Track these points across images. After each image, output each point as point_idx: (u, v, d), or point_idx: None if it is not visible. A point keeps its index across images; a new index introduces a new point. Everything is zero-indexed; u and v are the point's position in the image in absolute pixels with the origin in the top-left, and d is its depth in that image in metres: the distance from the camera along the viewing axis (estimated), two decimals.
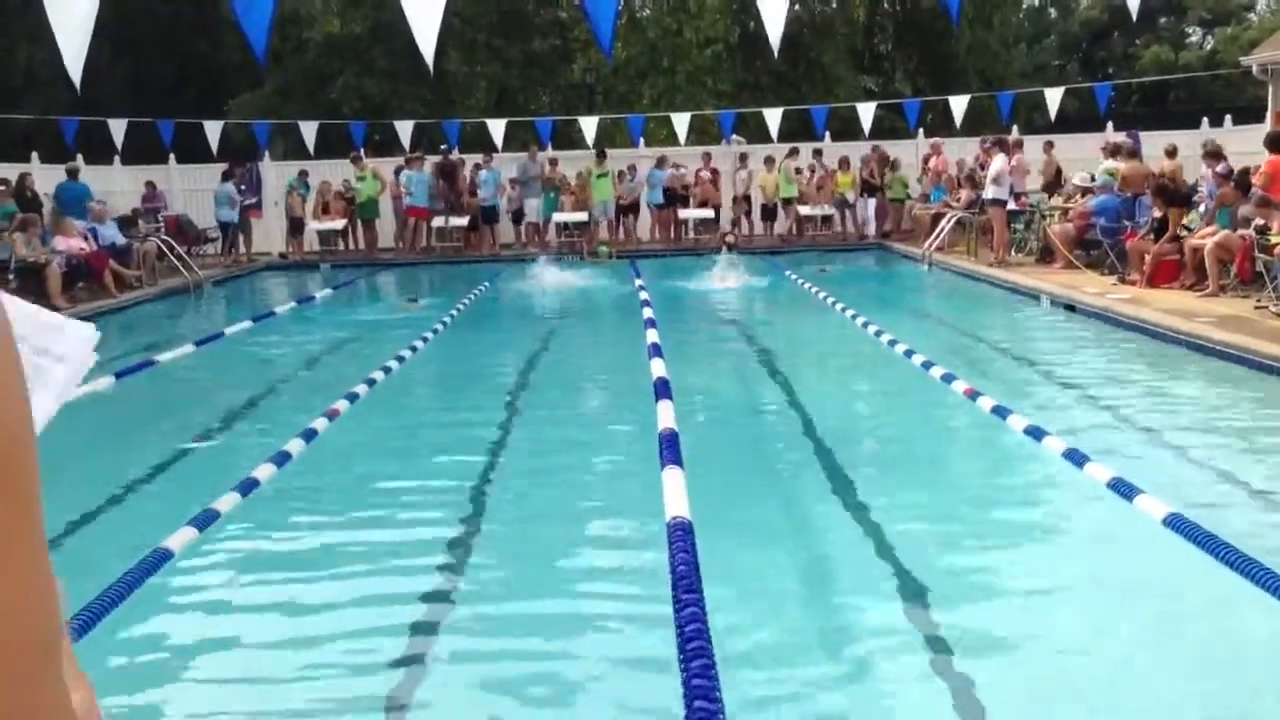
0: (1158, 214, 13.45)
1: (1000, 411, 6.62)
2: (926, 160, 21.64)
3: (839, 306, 12.32)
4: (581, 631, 4.39)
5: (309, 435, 6.74)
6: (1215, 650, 4.10)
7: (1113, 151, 17.66)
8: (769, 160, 22.18)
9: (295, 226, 21.90)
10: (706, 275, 16.80)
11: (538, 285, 16.52)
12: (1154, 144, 18.91)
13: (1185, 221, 13.11)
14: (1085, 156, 19.18)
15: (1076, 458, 5.29)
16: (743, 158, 22.40)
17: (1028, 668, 4.01)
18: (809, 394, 8.65)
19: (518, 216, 22.31)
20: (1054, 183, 18.57)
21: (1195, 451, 6.65)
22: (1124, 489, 4.65)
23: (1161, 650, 4.12)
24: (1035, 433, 6.02)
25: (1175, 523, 4.14)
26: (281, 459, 6.19)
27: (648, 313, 11.66)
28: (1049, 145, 19.62)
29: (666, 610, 3.37)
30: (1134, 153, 16.86)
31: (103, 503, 6.23)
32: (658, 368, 7.93)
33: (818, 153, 22.53)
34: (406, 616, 4.52)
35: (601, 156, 21.89)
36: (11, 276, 14.02)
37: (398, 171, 21.87)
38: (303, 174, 22.05)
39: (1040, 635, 4.27)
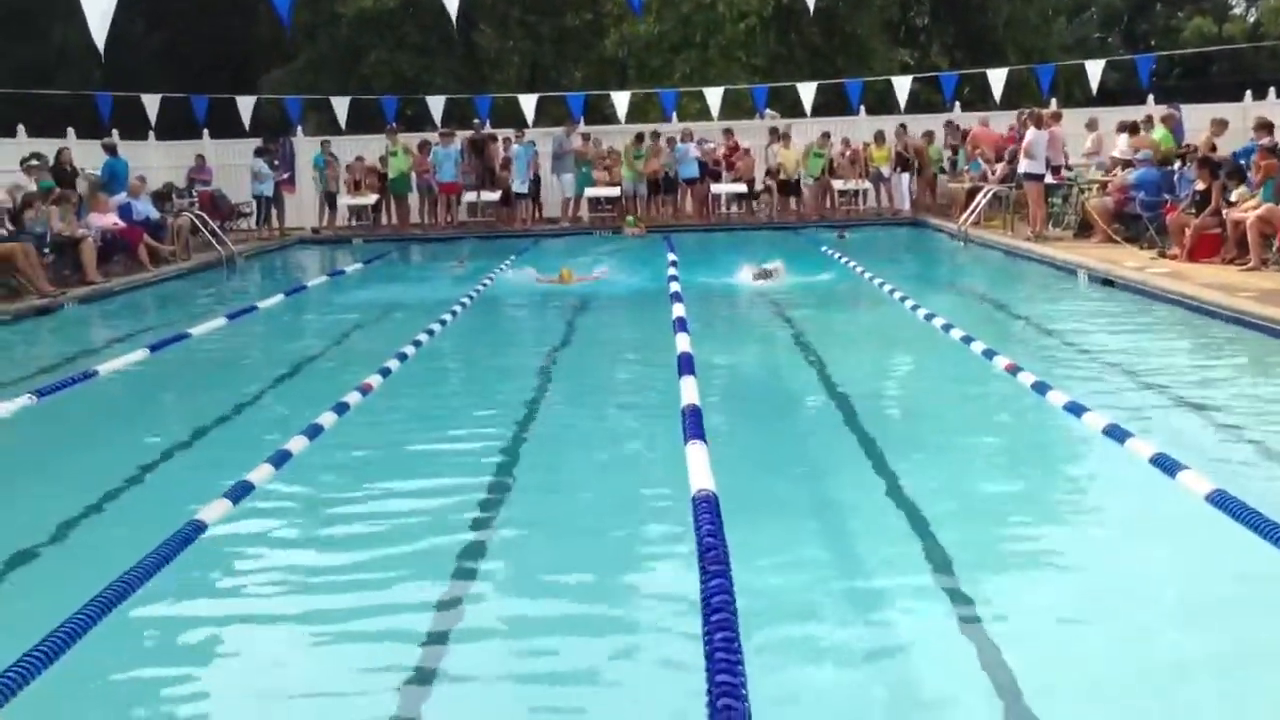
0: (1201, 186, 13.21)
1: (1040, 387, 6.51)
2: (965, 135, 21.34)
3: (875, 280, 12.22)
4: (607, 606, 4.36)
5: (341, 408, 6.74)
6: (1258, 628, 4.01)
7: (1123, 129, 17.71)
8: (785, 137, 21.99)
9: (329, 201, 21.99)
10: (737, 249, 16.72)
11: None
12: (1197, 117, 18.56)
13: (1234, 195, 12.85)
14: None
15: (1118, 434, 5.19)
16: (773, 132, 22.25)
17: (1064, 646, 3.94)
18: (842, 367, 8.57)
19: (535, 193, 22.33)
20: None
21: (1237, 428, 6.52)
22: (1166, 465, 4.55)
23: (1203, 629, 4.03)
24: (1075, 409, 5.92)
25: (1219, 500, 4.04)
26: (314, 431, 6.20)
27: (675, 288, 11.62)
28: (1093, 122, 19.23)
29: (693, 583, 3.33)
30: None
31: (136, 475, 6.26)
32: (682, 343, 7.88)
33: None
34: (436, 590, 4.51)
35: (640, 139, 21.81)
36: (47, 251, 14.12)
37: (422, 147, 21.86)
38: (325, 143, 22.10)
39: (1078, 613, 4.19)
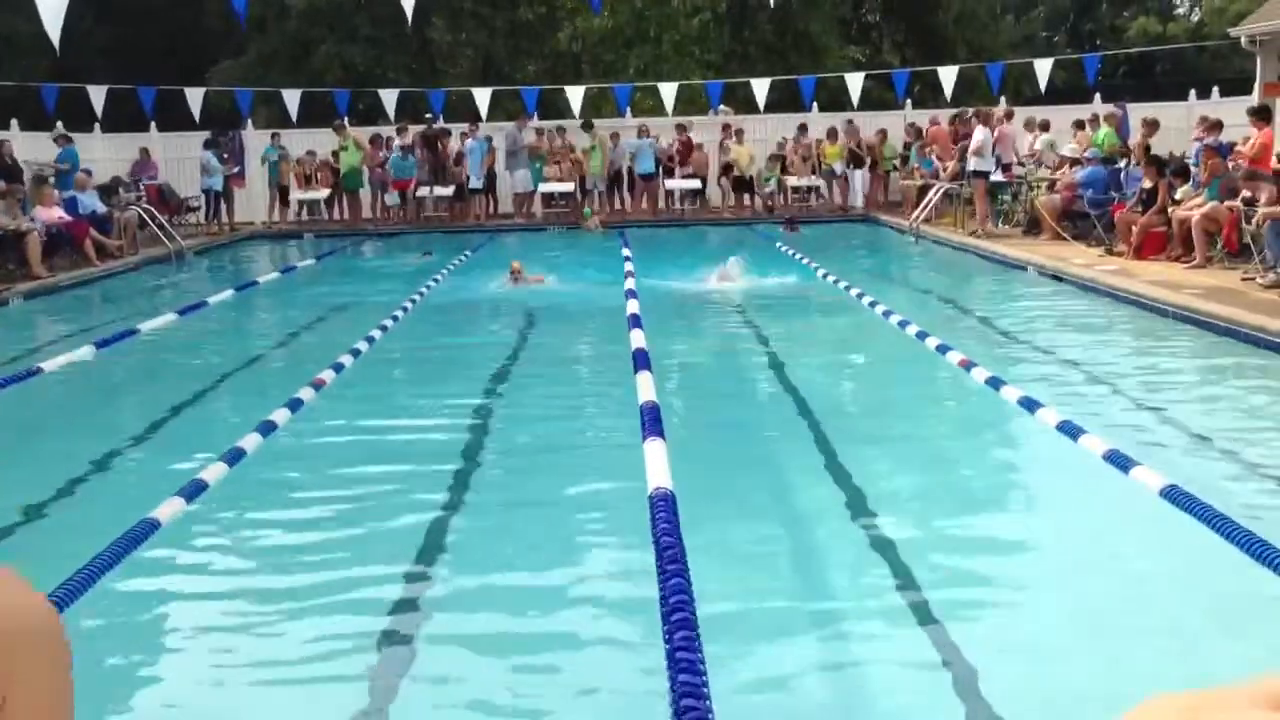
0: (1148, 184, 13.41)
1: (994, 383, 6.59)
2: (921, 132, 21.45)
3: (829, 277, 12.31)
4: (565, 602, 4.36)
5: (295, 405, 6.69)
6: (1212, 621, 4.08)
7: (1030, 127, 18.68)
8: (739, 133, 22.07)
9: (281, 196, 21.74)
10: (693, 245, 16.76)
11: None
12: (1141, 116, 18.84)
13: (1179, 194, 13.06)
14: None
15: (1071, 429, 5.27)
16: (726, 128, 22.31)
17: (1017, 642, 3.98)
18: (796, 363, 8.61)
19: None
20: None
21: (1184, 423, 6.63)
22: (1120, 461, 4.62)
23: (1158, 622, 4.10)
24: (1029, 404, 5.99)
25: (1173, 495, 4.11)
26: (267, 429, 6.15)
27: (630, 284, 11.63)
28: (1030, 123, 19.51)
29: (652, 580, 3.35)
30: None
31: (87, 473, 6.17)
32: (637, 339, 7.90)
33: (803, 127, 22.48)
34: (391, 589, 4.49)
35: (588, 127, 21.79)
36: None
37: (373, 141, 21.70)
38: (275, 136, 21.86)
39: (1034, 607, 4.25)
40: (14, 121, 20.28)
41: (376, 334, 9.33)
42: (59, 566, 3.95)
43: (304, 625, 4.21)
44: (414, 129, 21.99)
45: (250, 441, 5.84)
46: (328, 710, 3.60)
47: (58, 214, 15.54)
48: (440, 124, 22.61)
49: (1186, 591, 4.30)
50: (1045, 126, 18.43)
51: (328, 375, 7.51)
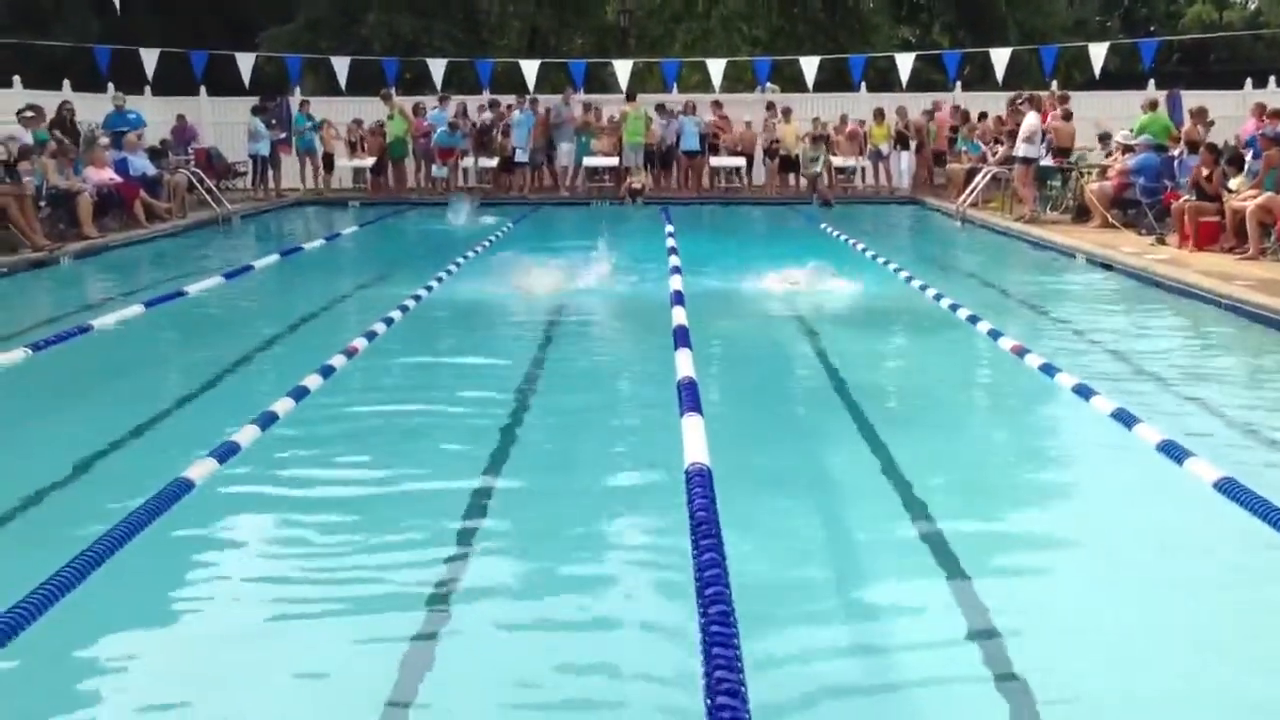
0: (1206, 171, 13.12)
1: (1048, 369, 6.51)
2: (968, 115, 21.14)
3: (878, 259, 12.21)
4: (600, 577, 4.35)
5: (326, 371, 6.73)
6: (1265, 615, 4.01)
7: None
8: (786, 111, 21.89)
9: (326, 163, 21.83)
10: (735, 225, 16.67)
11: None
12: (1194, 104, 18.48)
13: (1234, 183, 12.81)
14: (1131, 114, 18.75)
15: (1126, 418, 5.18)
16: (770, 106, 22.14)
17: (1059, 630, 3.91)
18: (841, 344, 8.53)
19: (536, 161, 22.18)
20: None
21: (1234, 416, 6.51)
22: (1175, 452, 4.54)
23: (1211, 617, 4.03)
24: (1083, 391, 5.91)
25: (1228, 488, 4.03)
26: (300, 394, 6.18)
27: (675, 260, 11.58)
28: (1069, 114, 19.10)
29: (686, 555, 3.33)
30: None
31: (126, 431, 6.23)
32: (678, 316, 7.86)
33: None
34: (424, 556, 4.49)
35: (630, 98, 21.71)
36: (43, 204, 14.04)
37: (416, 109, 21.75)
38: (304, 104, 21.87)
39: (1079, 597, 4.16)
40: (65, 82, 20.48)
41: (411, 303, 9.38)
42: (97, 521, 3.99)
43: (331, 591, 4.22)
44: (456, 99, 22.04)
45: (283, 406, 5.86)
46: (362, 677, 3.60)
47: (108, 175, 15.71)
48: (487, 95, 22.64)
49: (1239, 586, 4.22)
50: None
51: (360, 343, 7.55)
